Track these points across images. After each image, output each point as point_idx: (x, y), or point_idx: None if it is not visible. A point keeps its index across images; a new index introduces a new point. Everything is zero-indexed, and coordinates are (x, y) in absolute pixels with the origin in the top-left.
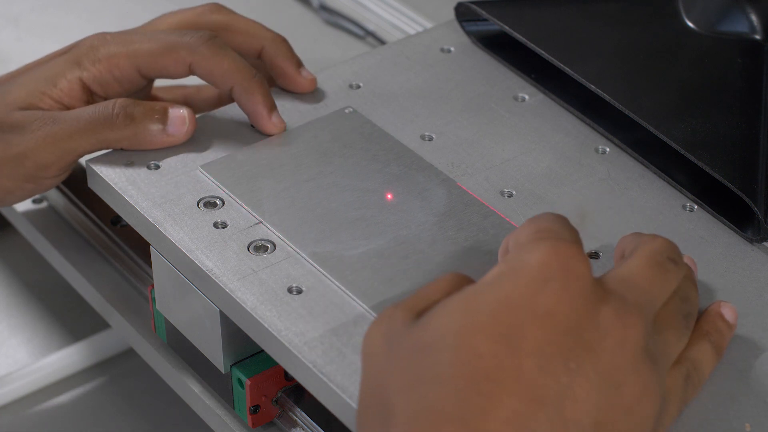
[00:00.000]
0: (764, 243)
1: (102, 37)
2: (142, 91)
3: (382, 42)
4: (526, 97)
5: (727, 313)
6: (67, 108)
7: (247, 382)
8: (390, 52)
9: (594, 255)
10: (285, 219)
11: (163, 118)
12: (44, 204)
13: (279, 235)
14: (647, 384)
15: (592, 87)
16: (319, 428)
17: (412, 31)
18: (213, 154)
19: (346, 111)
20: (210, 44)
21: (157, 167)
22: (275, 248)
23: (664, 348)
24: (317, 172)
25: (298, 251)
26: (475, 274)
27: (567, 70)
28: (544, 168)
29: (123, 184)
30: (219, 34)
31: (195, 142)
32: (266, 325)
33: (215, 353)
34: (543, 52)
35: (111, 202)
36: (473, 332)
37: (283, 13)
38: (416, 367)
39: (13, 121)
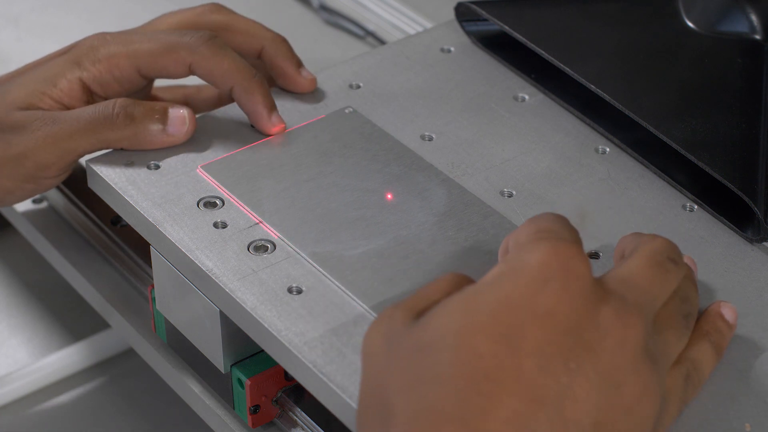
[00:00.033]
0: (764, 243)
1: (102, 37)
2: (142, 91)
3: (382, 42)
4: (526, 97)
5: (727, 313)
6: (67, 108)
7: (247, 382)
8: (390, 52)
9: (594, 255)
10: (285, 219)
11: (163, 118)
12: (44, 204)
13: (279, 235)
14: (647, 384)
15: (592, 87)
16: (319, 428)
17: (412, 31)
18: (213, 154)
19: (346, 111)
20: (210, 44)
21: (157, 167)
22: (275, 248)
23: (664, 348)
24: (317, 172)
25: (298, 251)
26: (475, 274)
27: (567, 70)
28: (544, 168)
29: (123, 184)
30: (219, 34)
31: (195, 142)
32: (266, 325)
33: (215, 353)
34: (543, 52)
35: (111, 202)
36: (473, 332)
37: (283, 13)
38: (416, 367)
39: (13, 121)
